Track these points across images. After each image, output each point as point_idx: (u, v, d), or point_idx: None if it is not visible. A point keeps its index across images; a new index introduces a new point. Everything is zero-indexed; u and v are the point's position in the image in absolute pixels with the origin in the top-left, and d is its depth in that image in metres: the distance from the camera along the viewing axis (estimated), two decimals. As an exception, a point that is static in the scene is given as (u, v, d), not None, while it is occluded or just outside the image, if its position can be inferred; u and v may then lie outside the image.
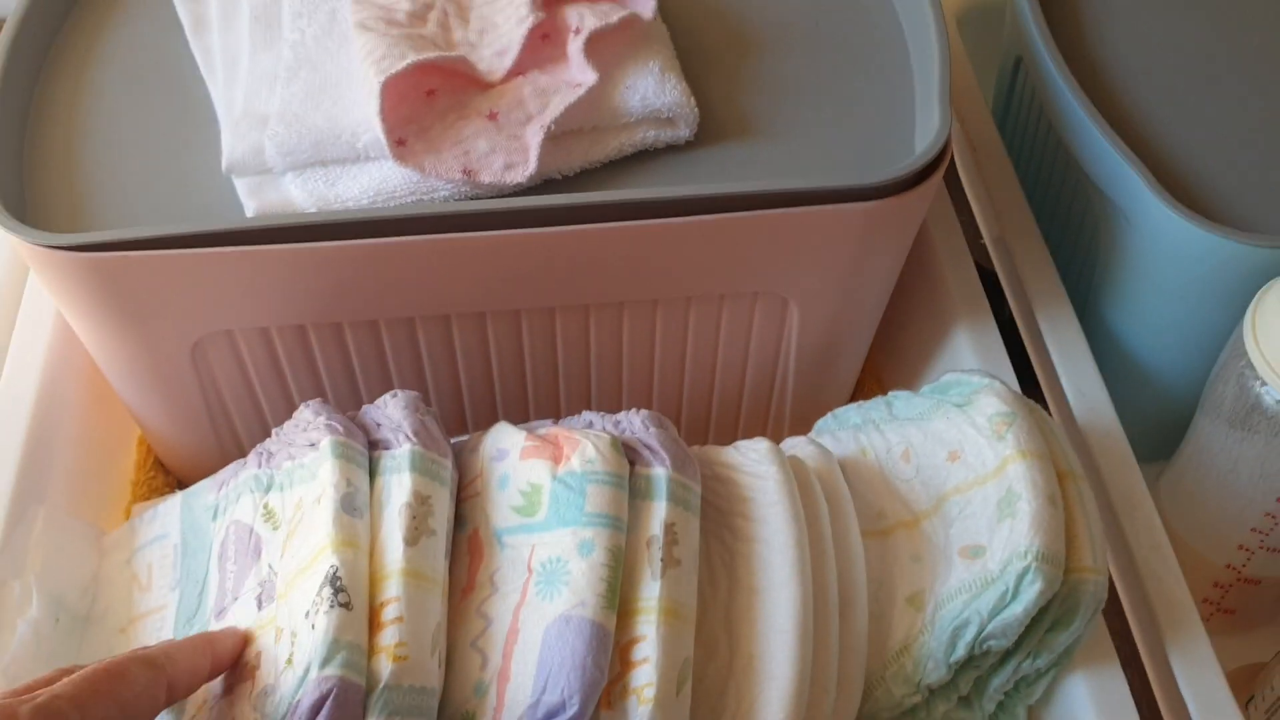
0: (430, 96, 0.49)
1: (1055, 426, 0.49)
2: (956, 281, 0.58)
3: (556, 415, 0.51)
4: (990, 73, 0.71)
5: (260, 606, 0.41)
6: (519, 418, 0.48)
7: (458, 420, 0.56)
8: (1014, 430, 0.46)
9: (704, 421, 0.59)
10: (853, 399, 0.61)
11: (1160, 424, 0.59)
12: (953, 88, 0.51)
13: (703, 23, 0.56)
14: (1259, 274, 0.50)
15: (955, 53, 0.69)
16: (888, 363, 0.64)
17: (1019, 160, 0.64)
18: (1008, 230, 0.60)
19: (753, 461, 0.46)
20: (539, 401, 0.56)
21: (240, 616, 0.42)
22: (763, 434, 0.60)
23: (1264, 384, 0.48)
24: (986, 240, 0.63)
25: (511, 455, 0.44)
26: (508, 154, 0.48)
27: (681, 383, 0.56)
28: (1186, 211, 0.51)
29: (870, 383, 0.64)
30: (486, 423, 0.47)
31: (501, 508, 0.43)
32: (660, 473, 0.43)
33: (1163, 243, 0.53)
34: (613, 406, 0.54)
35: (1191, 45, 0.60)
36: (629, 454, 0.44)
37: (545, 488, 0.42)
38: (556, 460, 0.43)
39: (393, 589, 0.39)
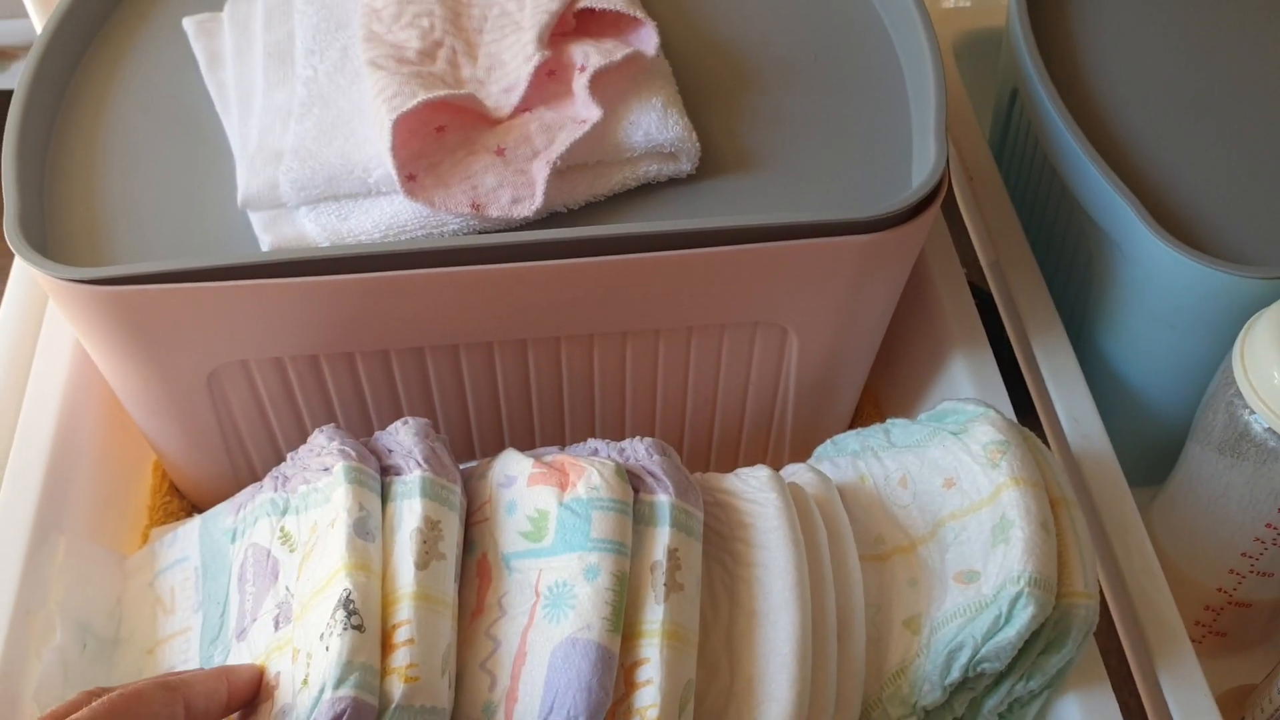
0: (440, 133, 0.50)
1: (1049, 454, 0.50)
2: (953, 310, 0.59)
3: (562, 442, 0.52)
4: (987, 103, 0.72)
5: (277, 627, 0.42)
6: (525, 444, 0.50)
7: (466, 447, 0.57)
8: (1008, 458, 0.47)
9: (705, 448, 0.60)
10: (851, 426, 0.62)
11: (1153, 449, 0.60)
12: (950, 118, 0.52)
13: (704, 59, 0.57)
14: (1248, 304, 0.51)
15: (952, 84, 0.71)
16: (886, 390, 0.66)
17: (1015, 190, 0.66)
18: (1004, 258, 0.62)
19: (753, 488, 0.47)
20: (545, 428, 0.57)
21: (259, 637, 0.43)
22: (763, 461, 0.61)
23: (1252, 412, 0.49)
24: (984, 264, 0.64)
25: (519, 482, 0.45)
26: (515, 188, 0.49)
27: (684, 410, 0.58)
28: (1177, 243, 0.52)
29: (869, 410, 0.66)
30: (494, 449, 0.49)
31: (509, 533, 0.44)
32: (663, 499, 0.44)
33: (1154, 273, 0.54)
34: (617, 433, 0.56)
35: (1184, 79, 0.61)
36: (633, 481, 0.45)
37: (552, 514, 0.43)
38: (563, 487, 0.44)
39: (404, 612, 0.40)
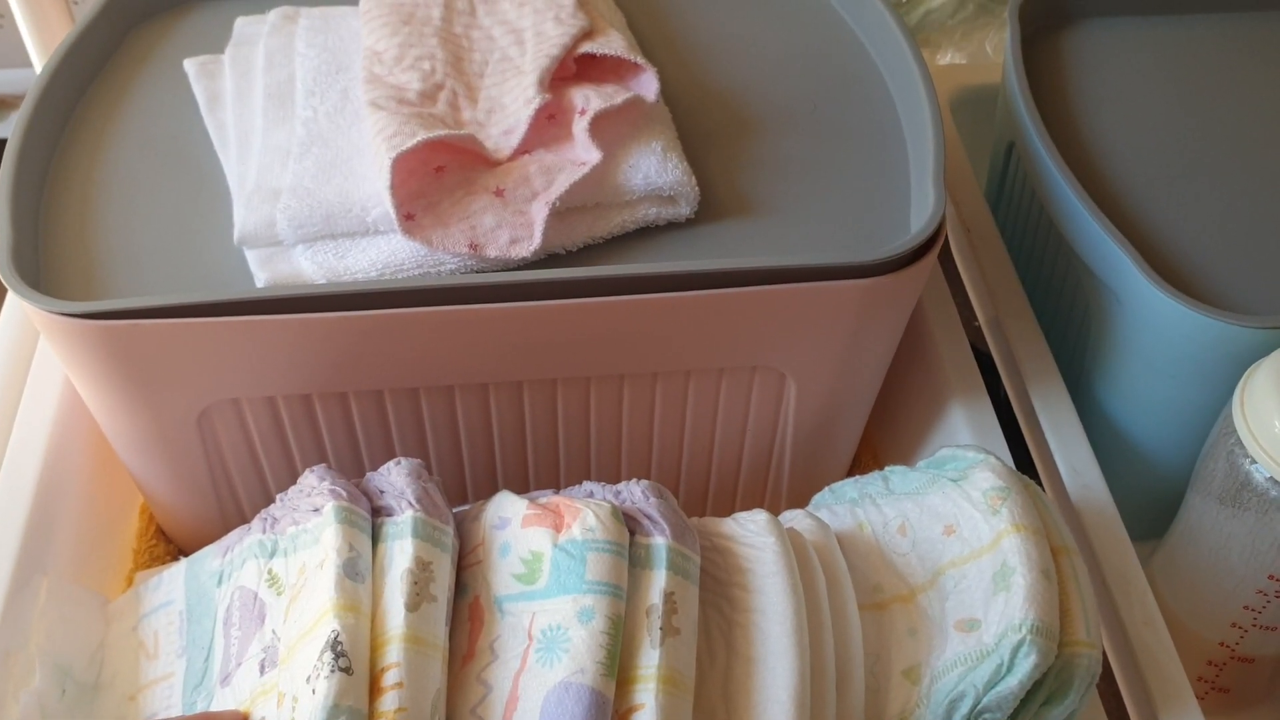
0: (439, 173, 0.50)
1: (1049, 502, 0.49)
2: (951, 360, 0.59)
3: (557, 485, 0.52)
4: (983, 158, 0.73)
5: (263, 672, 0.41)
6: (520, 488, 0.49)
7: (459, 490, 0.57)
8: (1008, 505, 0.47)
9: (702, 493, 0.60)
10: (851, 474, 0.61)
11: (1152, 502, 0.59)
12: (946, 171, 0.52)
13: (704, 105, 0.57)
14: (1247, 353, 0.51)
15: (949, 137, 0.72)
16: (884, 439, 0.65)
17: (1011, 242, 0.66)
18: (1001, 310, 0.62)
19: (751, 533, 0.47)
20: (539, 472, 0.56)
21: (243, 682, 0.42)
22: (760, 507, 0.60)
23: (1253, 461, 0.49)
24: (981, 322, 0.64)
25: (513, 524, 0.44)
26: (513, 229, 0.49)
27: (680, 455, 0.57)
28: (1175, 292, 0.52)
29: (867, 459, 0.65)
30: (487, 493, 0.48)
31: (503, 575, 0.43)
32: (660, 542, 0.44)
33: (1152, 322, 0.54)
34: (612, 477, 0.55)
35: (1179, 131, 0.62)
36: (629, 523, 0.44)
37: (546, 555, 0.43)
38: (558, 528, 0.43)
39: (393, 654, 0.39)
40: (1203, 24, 0.68)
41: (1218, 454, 0.51)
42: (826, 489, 0.54)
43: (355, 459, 0.54)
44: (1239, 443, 0.49)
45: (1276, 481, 0.48)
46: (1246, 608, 0.53)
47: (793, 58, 0.60)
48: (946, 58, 0.81)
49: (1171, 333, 0.54)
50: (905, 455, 0.62)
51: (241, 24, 0.59)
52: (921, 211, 0.51)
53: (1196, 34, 0.67)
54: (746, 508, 0.53)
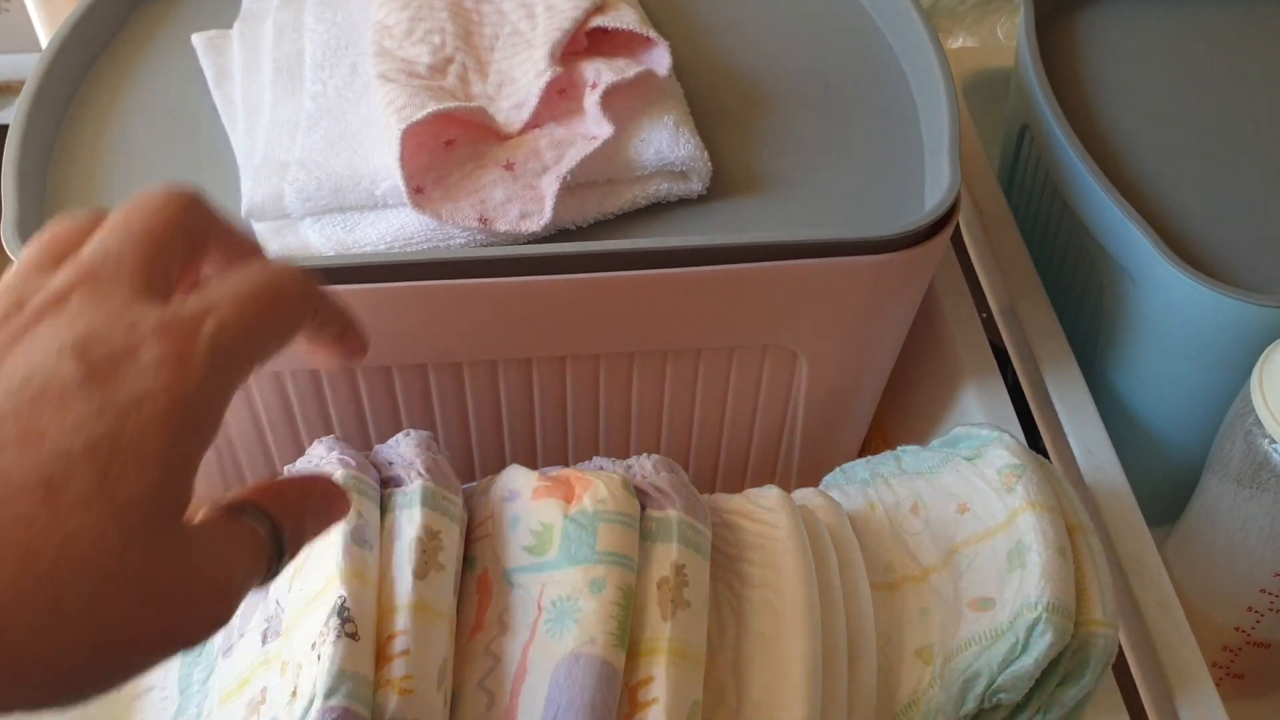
0: (449, 146, 0.50)
1: (1064, 480, 0.49)
2: (964, 341, 0.58)
3: (566, 462, 0.51)
4: (995, 142, 0.72)
5: (265, 641, 0.41)
6: (527, 464, 0.48)
7: (466, 468, 0.56)
8: (1023, 482, 0.46)
9: (711, 472, 0.59)
10: (860, 456, 0.61)
11: (1167, 485, 0.59)
12: (960, 152, 0.52)
13: (716, 82, 0.57)
14: (1265, 333, 0.51)
15: (961, 120, 0.71)
16: (896, 421, 0.65)
17: (1025, 225, 0.65)
18: (1015, 293, 0.61)
19: (763, 509, 0.46)
20: (548, 449, 0.56)
21: (245, 653, 0.42)
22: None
23: (1272, 441, 0.48)
24: (993, 306, 0.63)
25: (523, 496, 0.44)
26: (523, 203, 0.48)
27: (690, 434, 0.57)
28: (1192, 271, 0.52)
29: (878, 441, 0.64)
30: (496, 470, 0.47)
31: (512, 547, 0.43)
32: (671, 514, 0.43)
33: (1168, 303, 0.54)
34: (621, 454, 0.54)
35: (1195, 109, 0.61)
36: (640, 497, 0.44)
37: (557, 526, 0.42)
38: (568, 500, 0.43)
39: (401, 622, 0.39)
40: (1213, 4, 0.68)
41: (1235, 434, 0.50)
42: (838, 469, 0.53)
43: (363, 436, 0.54)
44: (1257, 422, 0.48)
45: (1295, 461, 0.47)
46: (1264, 591, 0.53)
47: (805, 34, 0.60)
48: (958, 42, 0.80)
49: (1188, 313, 0.53)
50: (917, 436, 0.61)
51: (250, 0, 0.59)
52: (936, 188, 0.50)
53: (1209, 14, 0.67)
54: (757, 486, 0.53)
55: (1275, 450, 0.48)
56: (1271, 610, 0.53)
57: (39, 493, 0.25)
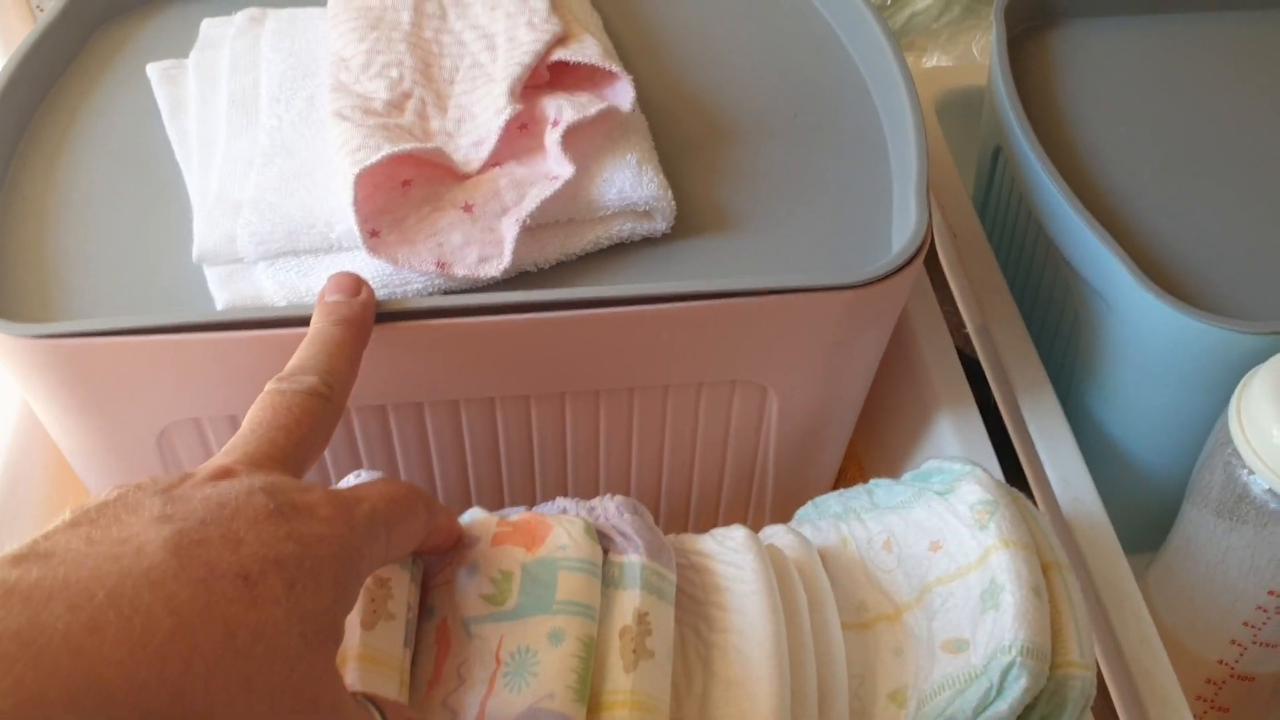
0: (405, 187, 0.48)
1: (1039, 516, 0.48)
2: (938, 368, 0.58)
3: (532, 501, 0.50)
4: (970, 162, 0.71)
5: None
6: (494, 504, 0.47)
7: (431, 508, 0.55)
8: (996, 519, 0.45)
9: (684, 508, 0.58)
10: (836, 486, 0.60)
11: (1147, 514, 0.58)
12: (933, 176, 0.51)
13: (683, 111, 0.56)
14: (1242, 360, 0.50)
15: (935, 141, 0.70)
16: (871, 450, 0.64)
17: (1000, 247, 0.64)
18: (989, 317, 0.60)
19: (730, 550, 0.45)
20: (514, 487, 0.55)
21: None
22: (743, 521, 0.59)
23: (1251, 472, 0.47)
24: (969, 328, 0.62)
25: (483, 542, 0.43)
26: (482, 247, 0.47)
27: (660, 470, 0.55)
28: (1166, 296, 0.51)
29: (853, 470, 0.63)
30: (461, 509, 0.46)
31: (470, 596, 0.42)
32: (634, 560, 0.42)
33: (1144, 328, 0.53)
34: (590, 492, 0.53)
35: (1170, 131, 0.60)
36: (603, 540, 0.43)
37: (516, 575, 0.41)
38: (529, 546, 0.42)
39: (348, 675, 0.38)
40: (1190, 23, 0.67)
41: (1214, 465, 0.49)
42: (810, 503, 0.52)
43: (322, 477, 0.52)
44: (1236, 453, 0.47)
45: (1275, 493, 0.46)
46: (1246, 624, 0.52)
47: (775, 61, 0.59)
48: (932, 60, 0.79)
49: (1163, 339, 0.52)
50: (892, 467, 0.60)
51: (207, 26, 0.58)
52: (904, 226, 0.49)
53: (1184, 32, 0.66)
54: (729, 522, 0.52)
55: (1255, 481, 0.47)
56: (1255, 643, 0.52)
57: (239, 582, 0.30)
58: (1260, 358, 0.49)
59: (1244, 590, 0.50)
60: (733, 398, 0.52)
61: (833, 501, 0.51)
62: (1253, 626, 0.52)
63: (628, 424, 0.53)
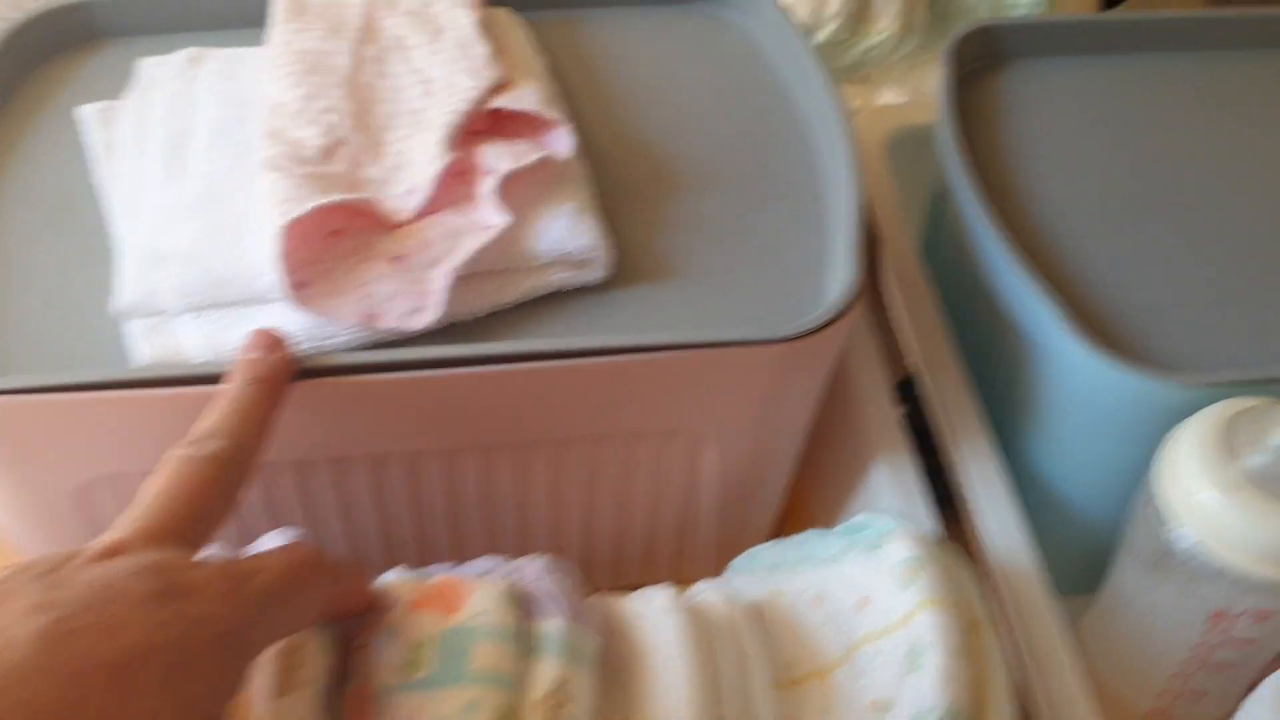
0: (335, 237, 0.48)
1: (968, 572, 0.48)
2: (874, 417, 0.57)
3: (459, 557, 0.50)
4: (923, 198, 0.71)
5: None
6: (418, 560, 0.47)
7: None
8: (922, 577, 0.45)
9: (617, 561, 0.58)
10: (779, 534, 0.60)
11: (1085, 557, 0.58)
12: (880, 217, 0.51)
13: (626, 156, 0.56)
14: (1174, 413, 0.49)
15: (884, 180, 0.70)
16: (815, 493, 0.64)
17: (946, 289, 0.64)
18: (927, 361, 0.60)
19: (655, 611, 0.45)
20: (438, 543, 0.54)
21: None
22: (681, 572, 0.59)
23: (1176, 528, 0.47)
24: (912, 372, 0.62)
25: (400, 606, 0.43)
26: (412, 299, 0.47)
27: (591, 522, 0.55)
28: (1097, 346, 0.51)
29: (799, 510, 0.63)
30: (385, 566, 0.46)
31: (387, 664, 0.41)
32: (555, 624, 0.42)
33: (1076, 378, 0.53)
34: (519, 546, 0.53)
35: (1116, 174, 0.60)
36: (526, 603, 0.43)
37: (431, 643, 0.41)
38: (447, 611, 0.42)
39: (258, 750, 0.37)
40: (1144, 62, 0.67)
41: (1141, 519, 0.49)
42: (744, 555, 0.52)
43: (240, 531, 0.52)
44: (1161, 509, 0.47)
45: (1199, 550, 0.47)
46: (1175, 675, 0.52)
47: (719, 106, 0.59)
48: (886, 97, 0.79)
49: (1095, 389, 0.52)
50: (832, 515, 0.60)
51: (146, 66, 0.57)
52: (837, 279, 0.49)
53: (1137, 72, 0.66)
54: (666, 573, 0.52)
55: (1178, 539, 0.47)
56: (1185, 695, 0.52)
57: (110, 676, 0.29)
58: (1190, 411, 0.49)
59: (1172, 641, 0.51)
60: (667, 449, 0.52)
61: (766, 553, 0.51)
62: (1182, 676, 0.52)
63: (560, 476, 0.52)
